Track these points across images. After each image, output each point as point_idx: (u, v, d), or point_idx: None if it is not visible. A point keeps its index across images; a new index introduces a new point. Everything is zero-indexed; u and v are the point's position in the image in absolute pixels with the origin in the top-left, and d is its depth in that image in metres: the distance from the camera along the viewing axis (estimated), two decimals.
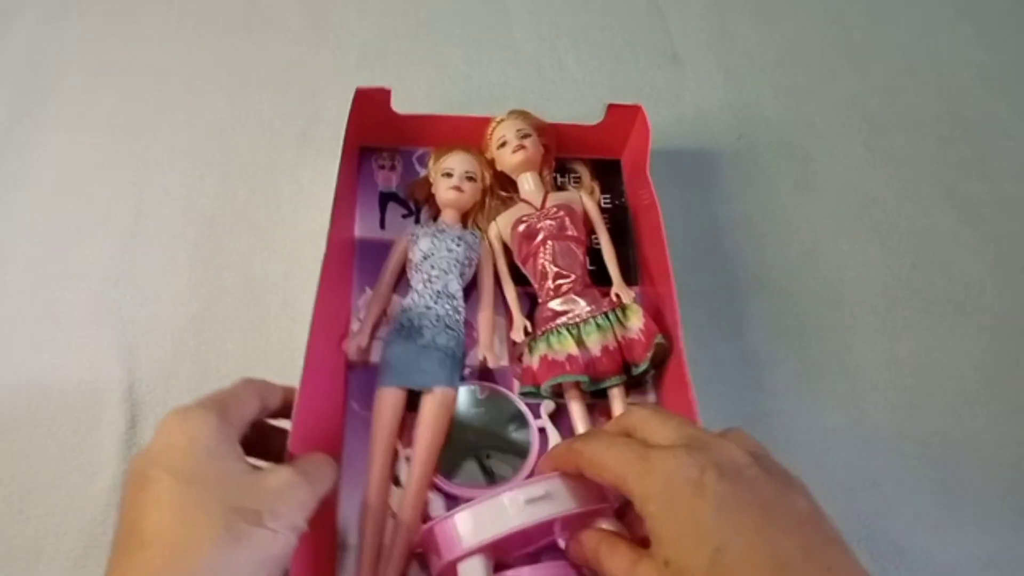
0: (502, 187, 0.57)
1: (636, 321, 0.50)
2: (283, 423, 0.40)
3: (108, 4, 0.68)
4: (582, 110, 0.65)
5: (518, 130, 0.55)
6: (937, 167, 0.65)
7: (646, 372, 0.49)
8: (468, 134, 0.57)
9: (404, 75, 0.66)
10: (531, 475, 0.47)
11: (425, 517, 0.45)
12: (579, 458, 0.38)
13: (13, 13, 0.66)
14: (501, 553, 0.41)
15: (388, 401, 0.47)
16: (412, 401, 0.48)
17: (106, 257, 0.55)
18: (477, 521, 0.39)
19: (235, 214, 0.57)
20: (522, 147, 0.54)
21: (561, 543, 0.42)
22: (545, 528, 0.40)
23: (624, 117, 0.57)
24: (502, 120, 0.56)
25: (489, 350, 0.51)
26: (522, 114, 0.56)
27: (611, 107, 0.56)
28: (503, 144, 0.55)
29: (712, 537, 0.30)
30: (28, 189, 0.57)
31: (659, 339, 0.49)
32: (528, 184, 0.55)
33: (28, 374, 0.50)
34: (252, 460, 0.35)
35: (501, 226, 0.55)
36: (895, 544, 0.49)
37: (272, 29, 0.67)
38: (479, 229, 0.55)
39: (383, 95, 0.54)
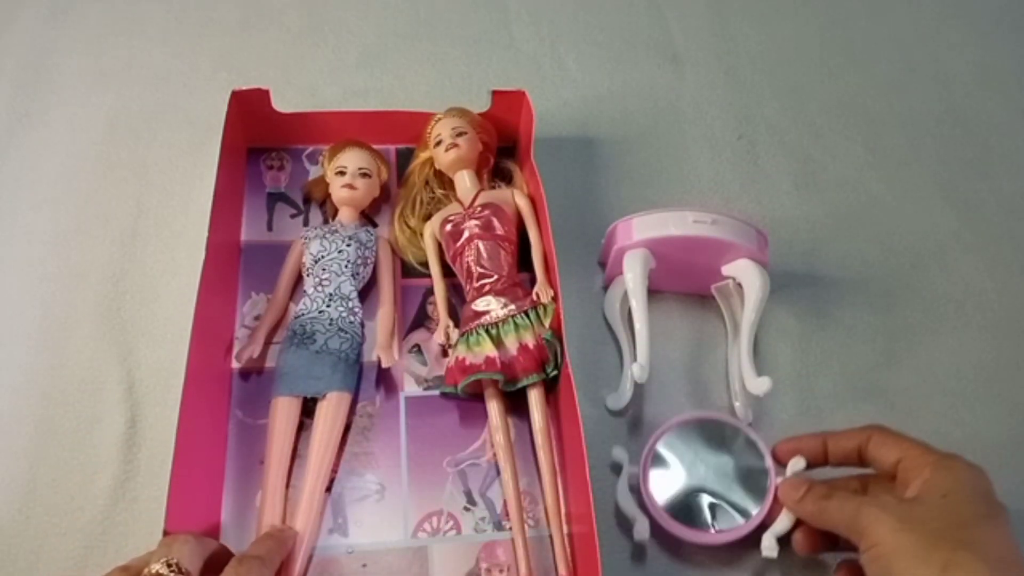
0: (441, 185, 0.56)
1: (551, 321, 0.49)
2: None
3: (108, 4, 0.68)
4: (582, 110, 0.65)
5: (453, 128, 0.54)
6: (937, 167, 0.65)
7: (558, 372, 0.48)
8: (354, 130, 0.56)
9: (404, 75, 0.66)
10: (761, 528, 0.45)
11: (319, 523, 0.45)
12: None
13: (13, 12, 0.66)
14: (661, 261, 0.50)
15: (282, 411, 0.47)
16: (309, 407, 0.48)
17: (106, 257, 0.55)
18: (648, 223, 0.50)
19: None
20: (455, 145, 0.53)
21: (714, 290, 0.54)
22: (700, 248, 0.50)
23: (511, 104, 0.57)
24: (440, 118, 0.55)
25: (384, 350, 0.50)
26: (460, 111, 0.55)
27: (496, 93, 0.56)
28: (439, 142, 0.54)
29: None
30: (28, 189, 0.57)
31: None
32: (463, 182, 0.54)
33: (28, 374, 0.50)
34: None
35: (434, 225, 0.54)
36: None
37: (272, 29, 0.67)
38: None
39: (262, 95, 0.54)
